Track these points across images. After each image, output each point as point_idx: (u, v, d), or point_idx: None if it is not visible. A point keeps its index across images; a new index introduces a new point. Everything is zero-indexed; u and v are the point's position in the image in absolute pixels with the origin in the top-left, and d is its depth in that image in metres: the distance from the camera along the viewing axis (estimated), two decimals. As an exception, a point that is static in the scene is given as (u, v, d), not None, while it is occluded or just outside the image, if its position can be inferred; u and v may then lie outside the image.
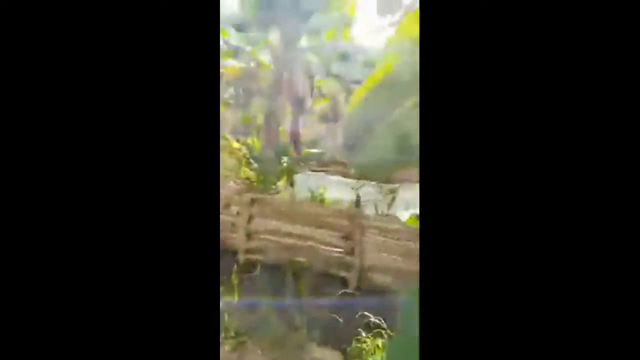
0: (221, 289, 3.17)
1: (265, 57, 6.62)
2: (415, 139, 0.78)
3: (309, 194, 4.85)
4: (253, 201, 3.91)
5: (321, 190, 4.50)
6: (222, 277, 3.50)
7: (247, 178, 4.78)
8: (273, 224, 3.87)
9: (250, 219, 3.93)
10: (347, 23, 7.97)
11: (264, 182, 4.50)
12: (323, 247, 3.66)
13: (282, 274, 3.52)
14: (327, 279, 3.48)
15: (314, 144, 9.15)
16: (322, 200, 4.38)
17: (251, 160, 4.96)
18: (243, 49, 5.52)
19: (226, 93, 12.19)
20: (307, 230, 3.73)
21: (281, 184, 5.32)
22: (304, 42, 7.09)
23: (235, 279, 3.26)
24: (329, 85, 11.81)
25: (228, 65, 6.52)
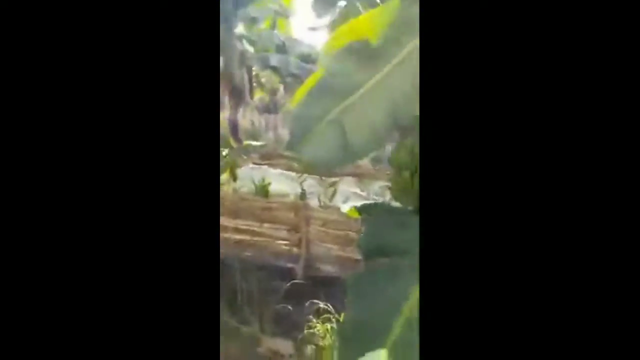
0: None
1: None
2: (353, 136, 0.78)
3: (252, 187, 4.81)
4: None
5: (266, 183, 4.50)
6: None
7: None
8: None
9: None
10: (284, 15, 7.87)
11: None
12: (270, 240, 3.70)
13: (231, 270, 3.48)
14: (275, 271, 3.53)
15: (254, 136, 8.98)
16: (266, 193, 4.39)
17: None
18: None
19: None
20: (253, 225, 3.72)
21: (224, 177, 5.19)
22: (240, 30, 6.83)
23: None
24: (268, 77, 11.62)
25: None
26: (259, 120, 11.07)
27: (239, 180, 5.29)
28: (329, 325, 2.49)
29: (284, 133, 9.59)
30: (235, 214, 3.75)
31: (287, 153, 7.23)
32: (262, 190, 4.33)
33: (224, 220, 3.72)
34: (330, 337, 2.44)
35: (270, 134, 9.09)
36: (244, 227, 3.74)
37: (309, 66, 6.74)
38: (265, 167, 5.93)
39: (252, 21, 6.59)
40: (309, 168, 5.67)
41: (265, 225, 3.73)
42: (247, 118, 10.32)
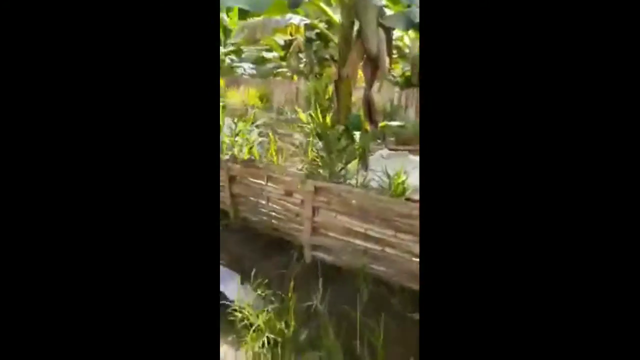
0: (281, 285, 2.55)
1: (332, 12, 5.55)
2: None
3: (386, 181, 3.91)
4: (317, 190, 3.15)
5: (401, 178, 3.47)
6: (281, 272, 2.92)
7: (314, 159, 4.00)
8: (340, 220, 3.08)
9: (315, 211, 3.21)
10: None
11: (330, 164, 3.66)
12: (405, 255, 2.77)
13: (353, 283, 2.76)
14: (407, 297, 2.61)
15: (393, 114, 7.89)
16: (402, 192, 3.38)
17: (317, 137, 4.13)
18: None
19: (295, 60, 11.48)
20: (384, 232, 2.86)
21: (352, 167, 4.46)
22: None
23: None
24: (411, 41, 10.13)
25: (291, 22, 5.60)
26: (400, 95, 9.87)
27: (370, 171, 4.47)
28: None
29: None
30: (363, 217, 2.95)
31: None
32: (397, 188, 3.33)
33: (348, 222, 3.01)
34: None
35: (412, 112, 7.85)
36: (373, 234, 2.92)
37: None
38: (405, 153, 4.86)
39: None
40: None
41: (401, 235, 2.80)
42: (385, 94, 9.30)
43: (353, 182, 3.66)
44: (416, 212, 2.75)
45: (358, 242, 2.99)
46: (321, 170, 3.73)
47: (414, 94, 9.73)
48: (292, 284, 2.51)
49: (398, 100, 9.69)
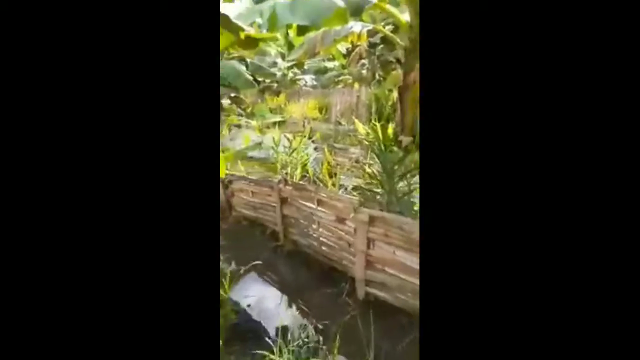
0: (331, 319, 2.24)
1: (402, 15, 5.06)
2: None
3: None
4: (372, 220, 2.74)
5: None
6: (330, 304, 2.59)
7: (371, 178, 3.57)
8: (399, 256, 2.62)
9: (370, 243, 2.80)
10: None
11: (389, 186, 3.20)
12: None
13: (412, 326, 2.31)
14: None
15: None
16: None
17: (375, 155, 3.70)
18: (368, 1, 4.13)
19: (358, 65, 11.06)
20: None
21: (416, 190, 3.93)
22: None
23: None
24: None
25: (352, 30, 5.25)
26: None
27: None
28: None
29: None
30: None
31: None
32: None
33: (407, 258, 2.54)
34: None
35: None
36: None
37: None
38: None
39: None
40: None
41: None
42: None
43: (417, 207, 3.14)
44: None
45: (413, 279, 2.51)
46: (379, 192, 3.28)
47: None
48: (337, 335, 2.15)
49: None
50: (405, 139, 4.91)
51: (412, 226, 2.54)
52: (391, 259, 2.68)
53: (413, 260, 2.55)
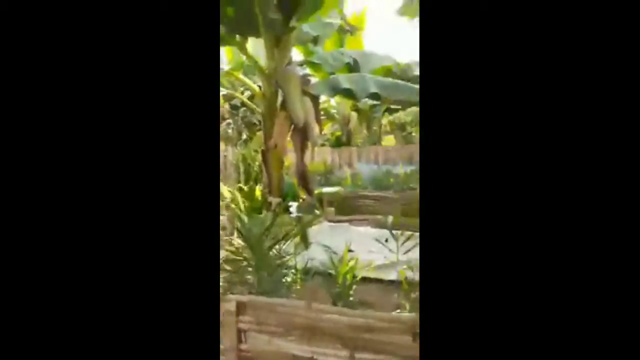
0: None
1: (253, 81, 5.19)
2: None
3: (329, 264, 3.22)
4: (241, 307, 2.31)
5: (348, 265, 2.81)
6: None
7: (236, 253, 3.15)
8: (277, 345, 2.24)
9: (240, 335, 2.33)
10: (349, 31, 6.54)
11: (257, 256, 2.86)
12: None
13: None
14: None
15: (326, 180, 7.54)
16: (350, 286, 2.71)
17: (240, 220, 3.34)
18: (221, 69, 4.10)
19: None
20: (338, 354, 2.09)
21: (294, 242, 3.72)
22: (296, 55, 5.62)
23: None
24: (337, 105, 10.38)
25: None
26: (332, 155, 9.75)
27: (311, 251, 3.78)
28: None
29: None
30: (309, 336, 2.17)
31: (372, 197, 5.57)
32: (347, 284, 2.65)
33: (288, 347, 2.19)
34: None
35: (344, 173, 7.61)
36: (324, 358, 2.12)
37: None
38: (346, 224, 4.29)
39: (311, 40, 5.32)
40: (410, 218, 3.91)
41: (360, 355, 2.06)
42: (315, 158, 9.09)
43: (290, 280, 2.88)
44: (379, 324, 2.05)
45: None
46: (247, 268, 2.90)
47: (348, 152, 9.71)
48: None
49: (331, 160, 9.53)
50: (274, 200, 4.77)
51: (289, 308, 2.24)
52: (267, 351, 2.27)
53: (291, 347, 2.21)
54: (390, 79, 5.17)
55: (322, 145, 11.02)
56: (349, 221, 4.33)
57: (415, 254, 3.40)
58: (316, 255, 3.62)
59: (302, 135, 4.70)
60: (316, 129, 4.74)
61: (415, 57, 5.65)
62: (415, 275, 2.98)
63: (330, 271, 2.98)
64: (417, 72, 5.53)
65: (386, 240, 3.60)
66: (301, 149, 4.83)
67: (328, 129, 11.52)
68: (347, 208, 4.90)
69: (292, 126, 4.69)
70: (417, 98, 5.20)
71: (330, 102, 9.90)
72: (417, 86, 5.39)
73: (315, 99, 4.96)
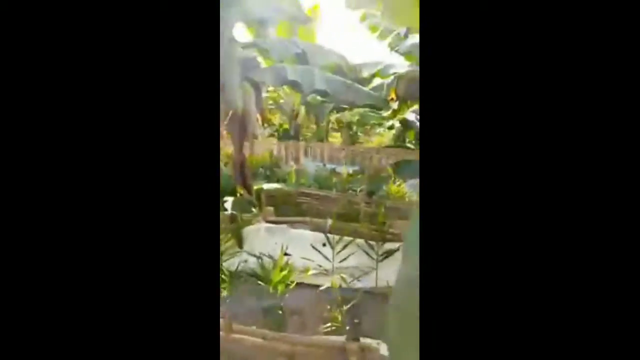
0: None
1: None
2: None
3: (264, 268, 2.94)
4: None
5: (281, 274, 2.56)
6: None
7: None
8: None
9: None
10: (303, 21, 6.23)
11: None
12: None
13: None
14: None
15: (268, 175, 7.15)
16: (283, 292, 2.47)
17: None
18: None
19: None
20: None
21: (226, 245, 3.39)
22: (243, 37, 5.15)
23: None
24: (285, 96, 10.00)
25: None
26: (279, 148, 9.39)
27: (244, 253, 3.45)
28: None
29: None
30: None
31: (319, 192, 5.35)
32: (280, 292, 2.40)
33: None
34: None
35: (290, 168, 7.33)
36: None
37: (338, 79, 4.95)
38: (284, 226, 4.03)
39: (261, 24, 4.92)
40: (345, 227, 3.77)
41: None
42: (261, 149, 8.65)
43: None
44: (301, 350, 1.82)
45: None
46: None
47: (295, 146, 9.41)
48: None
49: (278, 152, 9.17)
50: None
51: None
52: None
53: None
54: (339, 78, 4.99)
55: (271, 135, 10.57)
56: (288, 222, 4.07)
57: (349, 262, 3.28)
58: (249, 258, 3.33)
59: (240, 124, 4.30)
60: (257, 119, 4.36)
61: (367, 58, 5.53)
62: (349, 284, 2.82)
63: (260, 282, 2.70)
64: (365, 74, 5.40)
65: (323, 245, 3.41)
66: (239, 139, 4.43)
67: (277, 120, 11.09)
68: (288, 206, 4.63)
69: (230, 113, 4.25)
70: (364, 101, 5.09)
71: (280, 93, 9.47)
72: (366, 89, 5.28)
73: (258, 88, 4.58)
